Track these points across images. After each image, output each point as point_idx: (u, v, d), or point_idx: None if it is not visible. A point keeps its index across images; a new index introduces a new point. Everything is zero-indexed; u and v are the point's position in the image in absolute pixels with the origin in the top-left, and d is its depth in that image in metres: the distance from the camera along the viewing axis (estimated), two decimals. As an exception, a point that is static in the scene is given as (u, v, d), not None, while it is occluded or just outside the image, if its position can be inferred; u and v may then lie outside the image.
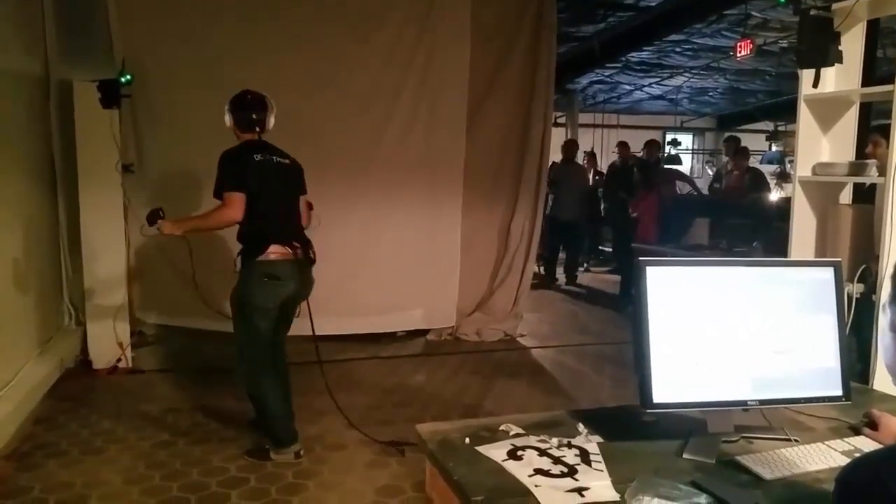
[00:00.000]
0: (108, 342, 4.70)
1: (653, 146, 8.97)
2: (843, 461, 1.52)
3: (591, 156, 11.47)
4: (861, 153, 3.29)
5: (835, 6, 2.87)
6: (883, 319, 1.23)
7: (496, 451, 1.61)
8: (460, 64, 5.49)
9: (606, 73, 10.77)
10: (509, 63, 5.77)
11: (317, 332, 4.31)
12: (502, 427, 1.76)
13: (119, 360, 4.71)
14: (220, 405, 4.13)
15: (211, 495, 3.06)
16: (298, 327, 4.54)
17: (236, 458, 3.41)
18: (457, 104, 5.51)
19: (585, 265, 9.73)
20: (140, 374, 4.71)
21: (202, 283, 5.21)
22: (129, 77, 4.50)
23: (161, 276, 5.14)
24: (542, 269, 8.43)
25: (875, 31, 3.91)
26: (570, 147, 9.02)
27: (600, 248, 10.41)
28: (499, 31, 5.71)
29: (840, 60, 2.93)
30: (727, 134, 13.18)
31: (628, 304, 6.67)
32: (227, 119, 3.43)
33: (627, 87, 12.02)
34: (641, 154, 9.08)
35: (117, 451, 3.50)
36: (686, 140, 16.09)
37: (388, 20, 5.36)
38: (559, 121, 12.06)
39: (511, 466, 1.54)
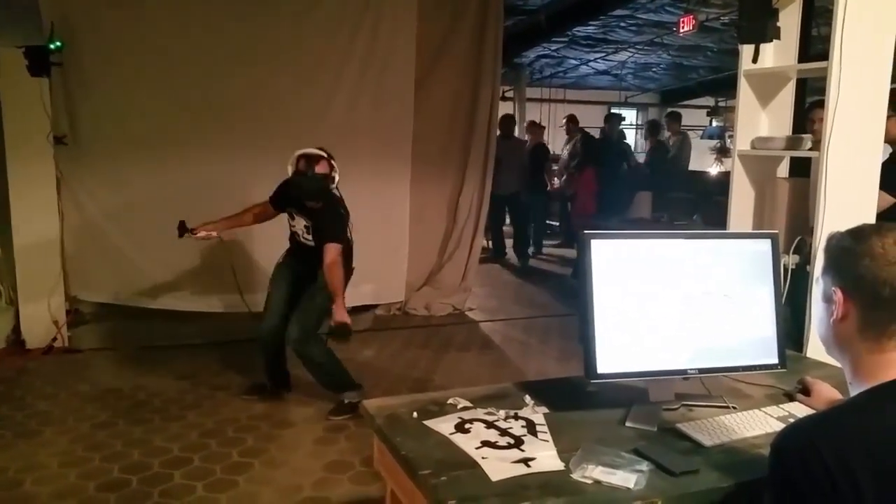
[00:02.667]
0: (43, 321, 4.54)
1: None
2: (779, 427, 1.57)
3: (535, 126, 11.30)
4: (798, 128, 3.38)
5: (774, -17, 2.92)
6: (816, 290, 1.27)
7: (444, 425, 1.62)
8: (407, 36, 5.40)
9: (553, 48, 10.77)
10: (457, 35, 5.72)
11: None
12: (450, 401, 1.76)
13: (54, 339, 4.56)
14: (162, 384, 4.04)
15: (153, 476, 3.00)
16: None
17: (179, 438, 3.35)
18: (404, 77, 5.43)
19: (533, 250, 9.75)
20: (77, 353, 4.57)
21: (144, 263, 5.08)
22: (58, 44, 4.28)
23: (98, 252, 4.96)
24: (489, 242, 8.44)
25: (810, 10, 4.01)
26: (507, 122, 8.99)
27: (548, 222, 10.49)
28: (445, 2, 5.64)
29: (778, 37, 2.99)
30: (669, 109, 13.39)
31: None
32: (336, 181, 3.59)
33: (574, 62, 12.06)
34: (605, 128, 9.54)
35: (53, 433, 3.39)
36: (630, 115, 16.29)
37: (333, -10, 5.24)
38: (507, 95, 12.04)
39: (458, 439, 1.55)
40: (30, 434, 3.37)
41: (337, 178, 3.58)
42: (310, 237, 3.66)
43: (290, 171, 3.52)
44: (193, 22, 4.83)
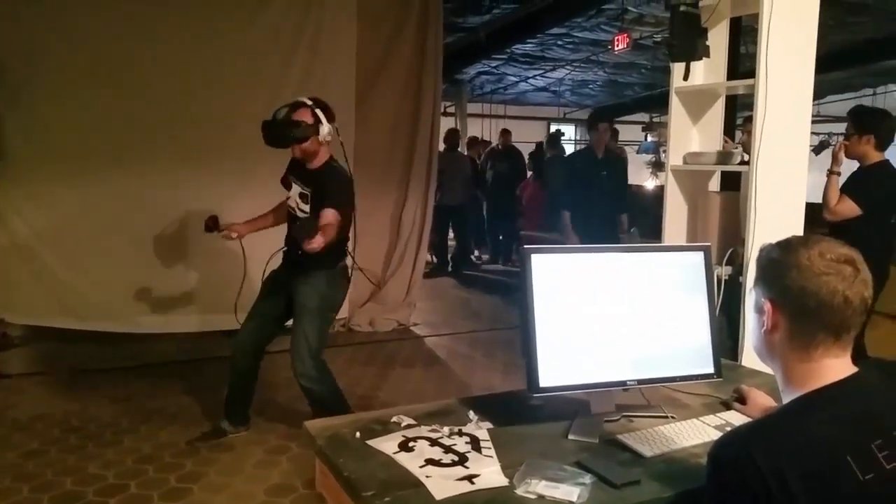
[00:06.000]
0: (-34, 346, 4.33)
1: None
2: (716, 435, 1.61)
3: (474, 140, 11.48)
4: (732, 142, 3.50)
5: (701, 3, 3.02)
6: (749, 301, 1.31)
7: (387, 444, 1.60)
8: (347, 51, 5.38)
9: (493, 65, 10.93)
10: (397, 50, 5.73)
11: (205, 329, 4.02)
12: (394, 419, 1.74)
13: (-22, 365, 4.34)
14: (95, 409, 3.88)
15: (86, 506, 2.87)
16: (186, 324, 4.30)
17: (114, 464, 3.21)
18: (344, 92, 5.39)
19: (477, 253, 9.84)
20: (6, 378, 4.35)
21: (76, 283, 4.89)
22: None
23: (28, 272, 4.76)
24: (433, 257, 8.47)
25: (738, 29, 4.18)
26: (452, 136, 9.19)
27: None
28: (385, 18, 5.65)
29: (708, 55, 3.09)
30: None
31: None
32: (326, 131, 3.14)
33: (513, 79, 12.25)
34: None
35: (-23, 464, 3.22)
36: (569, 131, 16.63)
37: (271, 3, 5.18)
38: (448, 110, 12.14)
39: (402, 459, 1.54)
40: (-50, 467, 3.19)
41: (327, 133, 3.12)
42: (306, 207, 3.23)
43: None
44: (126, 34, 4.71)
